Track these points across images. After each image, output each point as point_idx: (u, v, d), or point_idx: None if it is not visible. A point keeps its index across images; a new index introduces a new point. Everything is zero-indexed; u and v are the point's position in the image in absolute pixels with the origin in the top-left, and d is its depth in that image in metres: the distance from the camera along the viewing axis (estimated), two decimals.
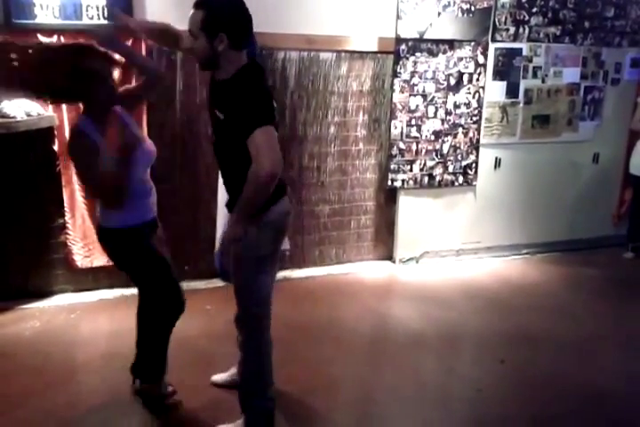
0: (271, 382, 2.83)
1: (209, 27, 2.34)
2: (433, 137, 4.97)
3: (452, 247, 5.32)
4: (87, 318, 4.00)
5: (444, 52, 4.83)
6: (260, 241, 2.57)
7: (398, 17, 4.62)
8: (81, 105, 2.74)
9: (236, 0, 2.40)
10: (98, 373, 3.31)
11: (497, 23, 4.93)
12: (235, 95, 2.41)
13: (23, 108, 3.70)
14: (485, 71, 5.00)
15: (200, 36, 2.37)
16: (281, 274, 4.76)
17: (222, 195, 4.27)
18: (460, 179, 5.16)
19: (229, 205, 2.70)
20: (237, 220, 2.45)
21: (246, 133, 2.32)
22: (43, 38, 3.79)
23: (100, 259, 4.23)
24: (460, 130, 5.04)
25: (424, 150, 4.98)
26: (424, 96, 4.87)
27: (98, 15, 3.87)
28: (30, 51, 2.96)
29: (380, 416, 3.01)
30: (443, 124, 4.98)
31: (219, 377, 3.20)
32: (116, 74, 3.35)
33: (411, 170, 4.97)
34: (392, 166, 4.92)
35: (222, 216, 4.28)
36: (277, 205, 2.59)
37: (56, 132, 3.95)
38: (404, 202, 5.07)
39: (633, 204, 5.58)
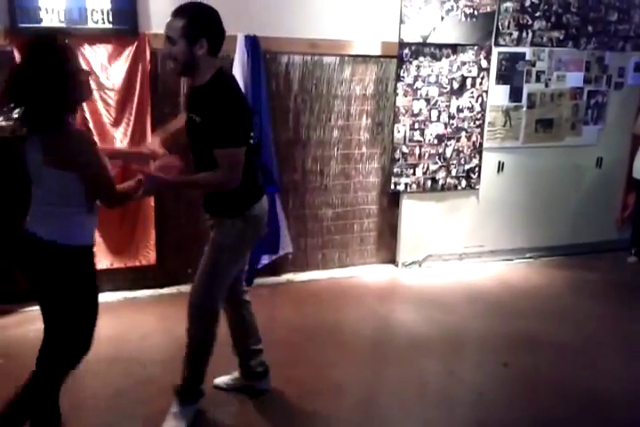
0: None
1: (190, 33, 2.49)
2: (436, 141, 4.98)
3: (454, 251, 5.32)
4: None
5: (448, 57, 4.84)
6: (246, 232, 2.78)
7: (401, 21, 4.63)
8: None
9: (213, 9, 2.58)
10: (100, 376, 3.32)
11: (500, 27, 4.94)
12: (212, 99, 2.56)
13: None
14: (488, 75, 5.01)
15: (180, 42, 2.50)
16: (284, 277, 4.79)
17: None
18: (463, 183, 5.17)
19: (207, 206, 2.87)
20: (170, 185, 2.68)
21: (221, 143, 2.53)
22: None
23: (103, 262, 4.24)
24: (463, 134, 5.05)
25: (427, 154, 4.99)
26: (427, 100, 4.88)
27: (103, 19, 3.89)
28: None
29: (382, 419, 3.01)
30: (446, 127, 4.98)
31: (221, 380, 3.21)
32: None
33: (414, 174, 4.98)
34: (395, 170, 4.93)
35: None
36: (259, 203, 2.83)
37: None
38: (407, 206, 5.07)
39: (636, 208, 5.57)
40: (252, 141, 2.73)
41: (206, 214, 2.91)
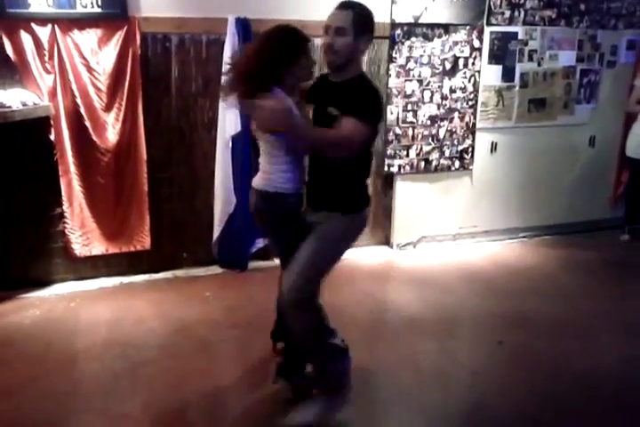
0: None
1: (359, 26, 2.56)
2: (429, 122, 4.97)
3: (449, 232, 5.34)
4: (87, 306, 4.03)
5: (440, 37, 4.81)
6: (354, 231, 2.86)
7: (393, 1, 4.60)
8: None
9: (370, 10, 2.66)
10: (98, 360, 3.34)
11: (492, 7, 4.91)
12: (358, 95, 2.57)
13: (19, 98, 3.70)
14: (481, 55, 4.99)
15: (348, 34, 2.56)
16: (278, 260, 4.79)
17: (219, 182, 4.30)
18: (457, 163, 5.17)
19: (317, 201, 2.80)
20: (303, 132, 2.52)
21: (356, 113, 2.50)
22: (36, 27, 3.78)
23: (99, 248, 4.26)
24: (456, 114, 5.04)
25: (420, 135, 4.98)
26: (420, 81, 4.86)
27: (92, 3, 3.85)
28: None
29: (378, 399, 3.04)
30: (439, 108, 4.97)
31: None
32: None
33: (407, 155, 4.98)
34: (388, 152, 4.92)
35: (219, 203, 4.31)
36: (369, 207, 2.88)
37: (52, 122, 3.95)
38: (401, 187, 5.08)
39: (629, 186, 5.60)
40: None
41: (310, 210, 2.84)
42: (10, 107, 3.62)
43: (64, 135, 4.00)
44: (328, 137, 2.53)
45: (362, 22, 2.58)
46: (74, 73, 3.93)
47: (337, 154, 2.55)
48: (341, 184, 2.72)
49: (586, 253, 5.23)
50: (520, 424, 2.89)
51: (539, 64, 5.21)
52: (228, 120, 4.16)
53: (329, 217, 2.73)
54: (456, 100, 5.01)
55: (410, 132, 4.94)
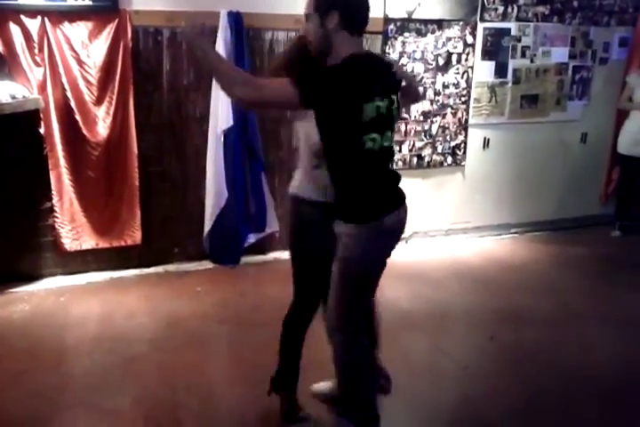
0: None
1: (321, 8, 2.18)
2: (422, 118, 4.97)
3: (441, 227, 5.34)
4: (76, 300, 4.00)
5: (433, 32, 4.81)
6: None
7: None
8: None
9: None
10: (87, 355, 3.32)
11: (485, 3, 4.91)
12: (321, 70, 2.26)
13: (8, 91, 3.66)
14: (474, 51, 4.99)
15: (312, 18, 2.21)
16: (272, 255, 4.79)
17: (211, 176, 4.28)
18: (449, 159, 5.17)
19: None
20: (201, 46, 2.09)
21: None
22: (26, 20, 3.75)
23: (89, 242, 4.23)
24: (449, 110, 5.04)
25: (413, 131, 4.97)
26: (412, 77, 4.85)
27: None
28: None
29: None
30: (431, 104, 4.97)
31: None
32: None
33: (400, 151, 4.96)
34: None
35: (211, 197, 4.29)
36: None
37: (42, 115, 3.92)
38: None
39: (620, 183, 5.62)
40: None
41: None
42: None
43: (54, 129, 3.97)
44: (226, 67, 2.17)
45: (323, 2, 2.19)
46: (64, 66, 3.90)
47: (229, 92, 2.14)
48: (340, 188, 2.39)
49: (577, 248, 5.24)
50: (510, 419, 2.89)
51: (531, 60, 5.21)
52: (220, 114, 4.14)
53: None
54: (449, 96, 5.01)
55: (402, 127, 4.92)
